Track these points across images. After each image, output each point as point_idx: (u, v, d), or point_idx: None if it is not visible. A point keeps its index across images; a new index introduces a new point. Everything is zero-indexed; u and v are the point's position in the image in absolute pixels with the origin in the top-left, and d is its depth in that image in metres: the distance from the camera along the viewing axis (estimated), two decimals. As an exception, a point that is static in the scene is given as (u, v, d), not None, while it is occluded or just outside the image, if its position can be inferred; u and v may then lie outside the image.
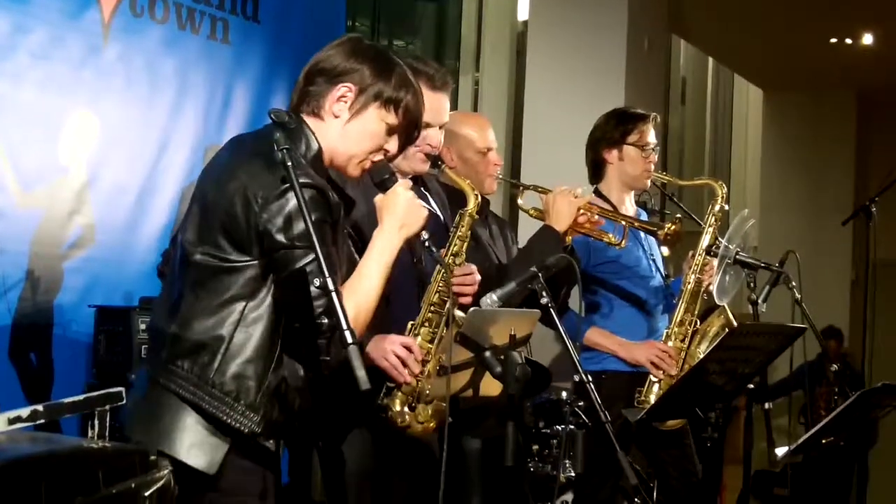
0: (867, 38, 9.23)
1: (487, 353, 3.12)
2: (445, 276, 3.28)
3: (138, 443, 2.66)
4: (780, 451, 4.24)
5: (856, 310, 10.20)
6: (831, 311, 9.47)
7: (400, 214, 2.83)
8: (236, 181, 2.69)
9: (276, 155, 2.57)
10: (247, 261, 2.68)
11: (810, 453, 4.33)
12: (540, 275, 3.33)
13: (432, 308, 3.36)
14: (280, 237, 2.63)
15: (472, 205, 3.49)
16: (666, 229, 4.13)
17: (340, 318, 2.42)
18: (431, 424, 3.33)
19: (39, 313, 5.03)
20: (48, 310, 5.08)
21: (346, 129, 2.81)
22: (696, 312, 4.42)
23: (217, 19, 5.93)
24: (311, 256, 2.57)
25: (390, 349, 3.22)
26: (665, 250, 4.70)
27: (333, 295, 2.45)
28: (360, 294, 2.72)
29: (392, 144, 2.86)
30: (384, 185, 2.91)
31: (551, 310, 3.27)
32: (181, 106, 5.72)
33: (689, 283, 4.40)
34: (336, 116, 2.81)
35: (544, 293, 3.29)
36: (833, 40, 9.32)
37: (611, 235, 4.14)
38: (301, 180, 2.56)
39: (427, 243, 2.94)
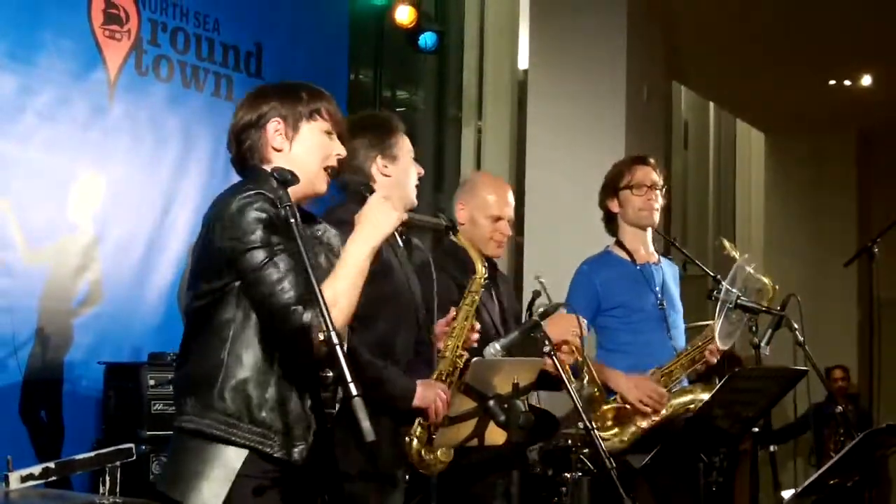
0: (866, 80, 9.30)
1: (491, 402, 3.15)
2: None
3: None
4: (787, 493, 4.25)
5: (863, 350, 10.18)
6: (839, 352, 9.47)
7: (370, 217, 2.91)
8: (205, 224, 2.84)
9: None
10: (223, 284, 2.77)
11: (818, 495, 4.33)
12: (542, 324, 3.37)
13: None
14: (237, 244, 2.72)
15: (479, 271, 3.68)
16: None
17: (345, 371, 2.47)
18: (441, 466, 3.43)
19: (49, 370, 5.06)
20: (58, 367, 5.11)
21: (292, 155, 2.97)
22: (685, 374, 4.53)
23: (221, 76, 6.01)
24: (264, 255, 2.70)
25: (437, 394, 3.40)
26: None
27: (337, 348, 2.50)
28: (334, 291, 2.73)
29: (338, 147, 3.03)
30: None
31: (554, 358, 3.30)
32: (186, 162, 5.79)
33: (688, 353, 4.52)
34: (279, 150, 2.97)
35: (546, 342, 3.33)
36: (832, 83, 9.39)
37: None
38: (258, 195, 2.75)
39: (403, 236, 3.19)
